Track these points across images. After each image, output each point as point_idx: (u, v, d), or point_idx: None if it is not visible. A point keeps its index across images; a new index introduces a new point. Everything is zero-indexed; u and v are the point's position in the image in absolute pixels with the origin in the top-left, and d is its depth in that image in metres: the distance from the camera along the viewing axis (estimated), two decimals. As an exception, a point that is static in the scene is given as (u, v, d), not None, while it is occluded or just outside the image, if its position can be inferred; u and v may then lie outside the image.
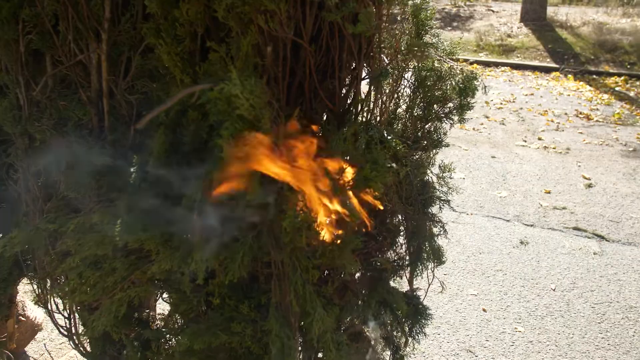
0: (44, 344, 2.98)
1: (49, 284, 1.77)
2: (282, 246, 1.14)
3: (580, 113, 8.01)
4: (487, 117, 7.76)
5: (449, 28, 13.51)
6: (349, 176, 1.24)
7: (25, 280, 2.17)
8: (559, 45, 11.60)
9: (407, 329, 1.59)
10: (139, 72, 1.38)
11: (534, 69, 10.93)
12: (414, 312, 1.56)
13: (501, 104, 8.50)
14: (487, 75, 10.49)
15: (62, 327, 1.95)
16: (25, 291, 2.89)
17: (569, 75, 10.27)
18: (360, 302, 1.41)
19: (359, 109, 1.48)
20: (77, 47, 1.36)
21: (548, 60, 11.17)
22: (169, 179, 1.15)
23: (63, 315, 1.93)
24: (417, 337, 1.62)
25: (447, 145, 1.72)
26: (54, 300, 1.91)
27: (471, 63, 11.13)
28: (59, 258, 1.51)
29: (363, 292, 1.44)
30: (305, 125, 1.24)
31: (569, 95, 9.12)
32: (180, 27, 1.20)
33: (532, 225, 4.66)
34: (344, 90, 1.47)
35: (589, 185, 5.45)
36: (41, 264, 1.72)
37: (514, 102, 8.65)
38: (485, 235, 4.47)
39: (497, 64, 11.23)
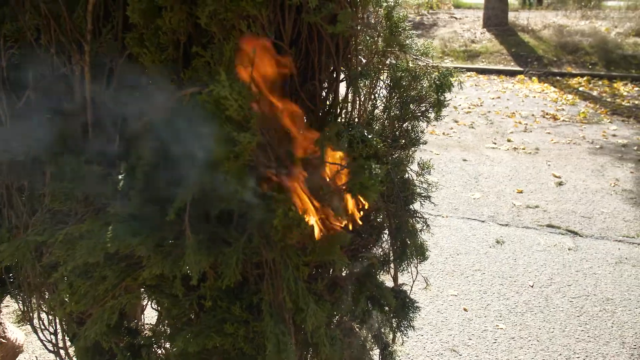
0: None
1: (34, 300, 1.75)
2: (273, 245, 1.17)
3: (547, 114, 8.24)
4: (457, 122, 7.91)
5: (415, 36, 13.75)
6: (343, 178, 1.28)
7: (5, 303, 2.14)
8: (522, 49, 11.92)
9: (395, 324, 1.63)
10: (122, 82, 1.39)
11: (499, 72, 11.21)
12: (401, 306, 1.60)
13: (469, 108, 8.68)
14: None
15: (48, 341, 1.93)
16: (5, 313, 2.84)
17: (534, 78, 10.55)
18: (349, 297, 1.44)
19: (339, 110, 1.52)
20: (59, 59, 1.37)
21: (512, 64, 11.46)
22: (158, 184, 1.17)
23: (49, 330, 1.91)
24: (405, 331, 1.65)
25: (425, 143, 1.77)
26: (39, 316, 1.89)
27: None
28: (46, 271, 1.50)
29: (352, 287, 1.47)
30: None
31: (534, 97, 9.37)
32: (163, 35, 1.23)
33: (506, 225, 4.76)
34: (324, 92, 1.51)
35: (560, 184, 5.60)
36: (27, 279, 1.71)
37: (481, 105, 8.85)
38: (461, 236, 4.55)
39: (462, 70, 11.46)
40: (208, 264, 1.23)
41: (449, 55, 12.25)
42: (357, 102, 1.56)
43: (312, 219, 1.15)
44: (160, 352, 1.46)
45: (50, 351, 1.96)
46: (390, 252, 1.69)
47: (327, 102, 1.47)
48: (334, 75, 1.44)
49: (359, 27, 1.42)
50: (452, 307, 3.62)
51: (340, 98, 1.50)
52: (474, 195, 5.36)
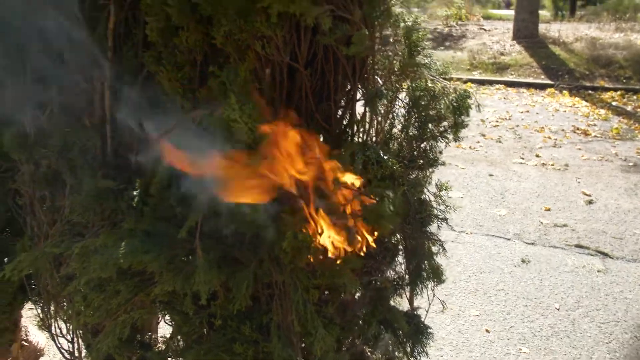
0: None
1: (53, 308, 1.79)
2: (283, 266, 1.16)
3: (578, 129, 8.07)
4: (484, 135, 7.81)
5: (442, 48, 13.67)
6: (358, 204, 1.27)
7: (28, 305, 2.19)
8: (553, 62, 11.73)
9: (408, 349, 1.60)
10: (140, 99, 1.42)
11: (528, 86, 11.04)
12: (414, 332, 1.57)
13: (497, 121, 8.57)
14: (481, 93, 10.58)
15: (65, 350, 1.96)
16: (28, 316, 2.89)
17: (564, 92, 10.37)
18: (360, 321, 1.43)
19: (355, 130, 1.51)
20: (81, 75, 1.40)
21: (542, 77, 11.29)
22: (171, 202, 1.18)
23: (66, 339, 1.94)
24: (419, 357, 1.62)
25: (443, 164, 1.75)
26: (57, 324, 1.92)
27: (465, 82, 11.24)
28: (63, 281, 1.53)
29: (363, 311, 1.46)
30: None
31: (565, 111, 9.20)
32: (180, 54, 1.24)
33: (533, 244, 4.66)
34: (339, 112, 1.50)
35: (590, 202, 5.46)
36: (46, 288, 1.74)
37: (509, 119, 8.72)
38: (485, 254, 4.47)
39: (491, 82, 11.34)
40: (219, 282, 1.23)
41: (477, 67, 12.13)
42: (374, 122, 1.55)
43: (323, 242, 1.14)
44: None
45: (67, 359, 1.98)
46: (405, 275, 1.67)
47: (343, 123, 1.46)
48: (350, 95, 1.44)
49: (375, 48, 1.41)
50: (474, 328, 3.54)
51: (356, 118, 1.50)
52: (500, 212, 5.26)
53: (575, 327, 3.51)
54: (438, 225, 1.79)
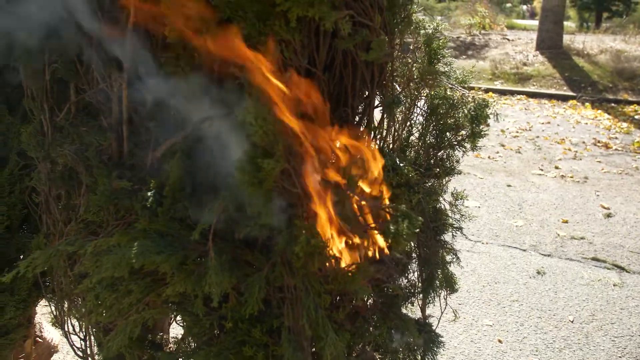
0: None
1: (66, 305, 1.80)
2: (295, 271, 1.16)
3: (599, 142, 7.96)
4: (503, 146, 7.74)
5: (464, 57, 13.60)
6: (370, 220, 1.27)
7: (43, 302, 2.21)
8: (576, 74, 11.60)
9: (419, 357, 1.58)
10: (157, 100, 1.42)
11: (550, 97, 10.93)
12: (426, 340, 1.55)
13: (517, 132, 8.49)
14: (502, 103, 10.50)
15: (77, 348, 1.97)
16: (42, 313, 2.93)
17: (587, 104, 10.24)
18: (371, 328, 1.41)
19: (372, 136, 1.51)
20: (99, 75, 1.41)
21: (565, 88, 11.16)
22: (184, 205, 1.18)
23: (79, 336, 1.95)
24: (430, 365, 1.61)
25: (460, 173, 1.73)
26: (70, 321, 1.93)
27: (486, 91, 11.17)
28: (77, 280, 1.54)
29: (374, 318, 1.44)
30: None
31: (586, 123, 9.08)
32: (199, 56, 1.25)
33: (549, 255, 4.60)
34: (357, 118, 1.50)
35: (608, 215, 5.38)
36: (60, 286, 1.75)
37: (530, 130, 8.63)
38: (501, 264, 4.42)
39: (512, 92, 11.24)
40: (230, 285, 1.23)
41: (499, 77, 12.04)
42: (392, 129, 1.54)
43: (336, 248, 1.14)
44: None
45: (79, 357, 2.00)
46: (417, 283, 1.65)
47: (360, 129, 1.46)
48: (368, 101, 1.43)
49: (394, 54, 1.40)
50: (487, 338, 3.51)
51: (374, 124, 1.49)
52: (517, 223, 5.21)
53: (588, 340, 3.45)
54: (453, 235, 1.77)
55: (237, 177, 1.05)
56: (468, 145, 1.63)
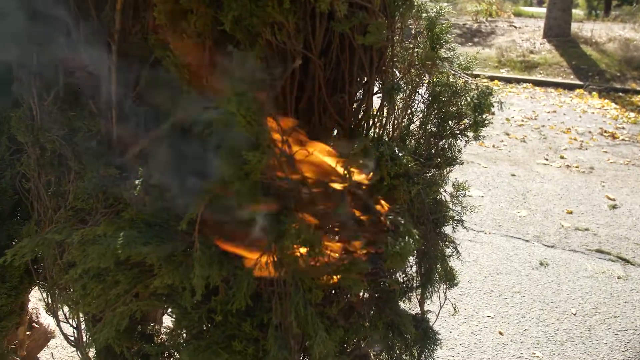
0: (51, 353, 2.97)
1: (57, 293, 1.76)
2: (285, 265, 1.11)
3: (605, 131, 7.86)
4: (508, 135, 7.66)
5: (470, 44, 13.44)
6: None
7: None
8: (584, 62, 11.45)
9: (416, 353, 1.54)
10: (147, 85, 1.37)
11: (557, 85, 10.79)
12: (422, 336, 1.51)
13: (522, 121, 8.39)
14: (508, 92, 10.38)
15: (70, 336, 1.94)
16: (39, 298, 2.90)
17: (594, 93, 10.11)
18: (367, 323, 1.37)
19: (370, 124, 1.45)
20: (88, 58, 1.36)
21: (572, 77, 11.03)
22: (172, 194, 1.13)
23: (71, 325, 1.92)
24: (426, 360, 1.56)
25: (462, 163, 1.67)
26: (63, 309, 1.90)
27: (492, 79, 11.04)
28: (65, 268, 1.50)
29: (370, 313, 1.40)
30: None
31: (593, 113, 8.97)
32: (188, 39, 1.19)
33: (552, 247, 4.54)
34: (355, 105, 1.44)
35: (614, 207, 5.31)
36: (50, 274, 1.72)
37: (535, 119, 8.53)
38: (503, 255, 4.38)
39: (518, 81, 11.11)
40: (220, 277, 1.19)
41: (505, 65, 11.90)
42: (392, 117, 1.48)
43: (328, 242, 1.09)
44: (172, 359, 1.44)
45: (71, 345, 1.97)
46: (415, 277, 1.61)
47: (358, 116, 1.40)
48: (367, 88, 1.37)
49: (395, 39, 1.34)
50: (487, 330, 3.47)
51: (373, 112, 1.43)
52: (520, 213, 5.15)
53: (591, 334, 3.41)
54: (453, 227, 1.72)
55: (222, 171, 1.01)
56: (471, 135, 1.57)
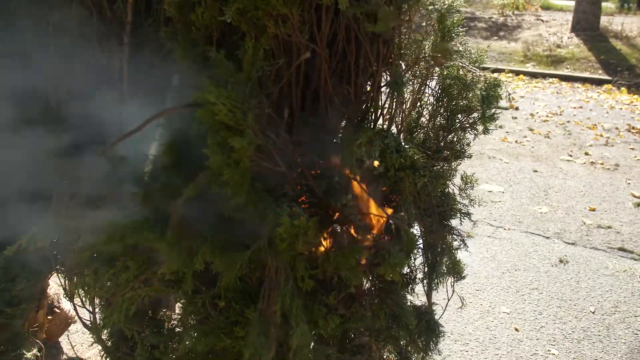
0: (67, 336, 3.05)
1: (73, 278, 1.82)
2: (279, 253, 1.13)
3: (633, 128, 7.69)
4: (532, 130, 7.55)
5: (495, 37, 13.24)
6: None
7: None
8: (613, 57, 11.19)
9: (420, 345, 1.55)
10: (158, 77, 1.40)
11: (584, 80, 10.58)
12: (426, 328, 1.52)
13: (547, 116, 8.26)
14: (533, 86, 10.22)
15: (87, 320, 2.00)
16: (60, 284, 2.99)
17: (622, 88, 9.88)
18: (369, 313, 1.39)
19: (377, 116, 1.46)
20: (101, 50, 1.39)
21: (600, 72, 10.79)
22: (175, 182, 1.16)
23: (87, 309, 1.97)
24: (430, 353, 1.57)
25: (470, 157, 1.67)
26: (79, 294, 1.96)
27: (517, 74, 10.88)
28: (79, 254, 1.54)
29: (371, 303, 1.41)
30: None
31: (621, 108, 8.78)
32: (196, 30, 1.22)
33: (573, 244, 4.48)
34: (363, 97, 1.45)
35: (638, 204, 5.21)
36: (66, 259, 1.77)
37: (561, 115, 8.39)
38: (522, 251, 4.33)
39: (544, 75, 10.91)
40: (223, 264, 1.21)
41: (531, 59, 11.70)
42: (398, 109, 1.49)
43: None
44: (174, 346, 1.47)
45: (88, 329, 2.02)
46: (420, 269, 1.61)
47: (364, 108, 1.41)
48: (373, 79, 1.38)
49: (402, 29, 1.35)
50: (503, 325, 3.45)
51: (380, 104, 1.44)
52: (541, 209, 5.08)
53: (609, 333, 3.36)
54: (461, 220, 1.72)
55: (211, 161, 1.03)
56: (480, 128, 1.57)
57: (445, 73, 1.56)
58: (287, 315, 1.14)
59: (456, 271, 1.64)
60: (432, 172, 1.49)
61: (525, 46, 12.16)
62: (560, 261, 4.18)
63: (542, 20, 14.16)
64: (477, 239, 4.52)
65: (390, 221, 1.30)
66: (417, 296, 1.76)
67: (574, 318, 3.51)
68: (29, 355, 2.22)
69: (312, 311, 1.24)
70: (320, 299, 1.26)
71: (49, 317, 2.77)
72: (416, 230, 1.58)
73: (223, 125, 0.98)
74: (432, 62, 1.50)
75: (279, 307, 1.14)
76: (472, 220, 1.75)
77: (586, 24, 12.51)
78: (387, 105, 1.46)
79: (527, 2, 15.64)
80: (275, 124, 1.13)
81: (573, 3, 13.40)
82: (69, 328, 3.03)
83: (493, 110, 1.48)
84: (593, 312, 3.57)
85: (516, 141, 7.07)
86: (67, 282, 1.98)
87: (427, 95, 1.61)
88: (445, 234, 1.60)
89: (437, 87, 1.59)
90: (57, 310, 2.88)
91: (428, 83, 1.59)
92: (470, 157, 1.67)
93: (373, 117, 1.45)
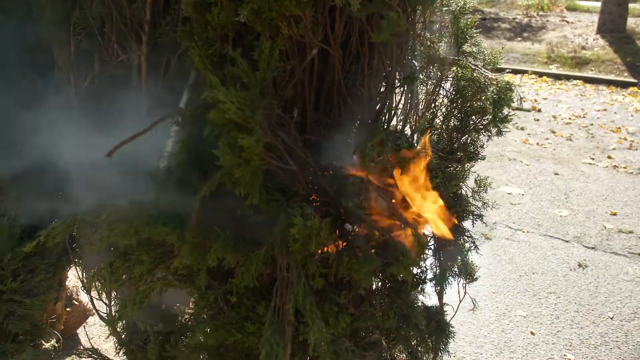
0: (85, 328, 3.10)
1: (90, 271, 1.86)
2: (291, 253, 1.14)
3: (658, 132, 7.55)
4: (554, 132, 7.46)
5: (519, 39, 13.09)
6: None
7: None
8: (639, 59, 10.97)
9: (431, 345, 1.55)
10: (177, 74, 1.43)
11: (609, 83, 10.40)
12: (436, 328, 1.52)
13: (570, 119, 8.15)
14: (557, 88, 10.09)
15: (104, 313, 2.04)
16: (78, 277, 3.05)
17: (649, 91, 9.70)
18: (379, 313, 1.39)
19: (390, 117, 1.47)
20: (120, 48, 1.43)
21: (625, 74, 10.59)
22: (191, 178, 1.19)
23: (104, 302, 2.01)
24: (440, 354, 1.57)
25: (483, 158, 1.67)
26: (96, 287, 2.00)
27: (540, 75, 10.74)
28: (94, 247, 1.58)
29: (381, 303, 1.42)
30: None
31: (647, 112, 8.62)
32: (212, 30, 1.24)
33: (593, 248, 4.42)
34: (377, 98, 1.46)
35: (661, 209, 5.11)
36: (84, 252, 1.81)
37: (584, 117, 8.27)
38: (540, 255, 4.29)
39: (568, 77, 10.75)
40: (235, 260, 1.23)
41: (555, 61, 11.54)
42: (412, 110, 1.49)
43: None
44: (186, 340, 1.49)
45: (104, 321, 2.07)
46: (436, 269, 1.61)
47: (377, 109, 1.42)
48: (386, 80, 1.39)
49: (416, 32, 1.35)
50: (519, 329, 3.42)
51: (393, 104, 1.45)
52: (561, 213, 5.02)
53: (627, 339, 3.31)
54: (473, 222, 1.71)
55: (222, 160, 1.05)
56: (494, 130, 1.57)
57: (459, 75, 1.56)
58: (302, 312, 1.16)
59: (468, 273, 1.64)
60: (445, 174, 1.49)
61: (550, 47, 12.00)
62: (579, 265, 4.13)
63: (567, 22, 13.95)
64: (495, 241, 4.49)
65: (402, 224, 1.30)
66: (429, 297, 1.77)
67: (592, 323, 3.47)
68: (47, 345, 2.27)
69: (322, 310, 1.25)
70: (332, 297, 1.27)
71: (67, 309, 2.83)
72: (428, 231, 1.58)
73: (233, 124, 1.00)
74: (446, 64, 1.50)
75: (292, 304, 1.15)
76: (484, 222, 1.75)
77: (612, 25, 12.28)
78: (401, 107, 1.47)
79: (553, 3, 15.41)
80: (286, 123, 1.15)
81: (600, 4, 13.17)
82: (87, 320, 3.09)
83: (505, 113, 1.48)
84: (611, 318, 3.53)
85: (538, 143, 6.99)
86: (84, 274, 2.03)
87: (441, 96, 1.61)
88: (457, 236, 1.60)
89: (452, 89, 1.59)
90: (76, 303, 2.94)
91: (442, 84, 1.60)
92: (483, 159, 1.67)
93: (387, 118, 1.46)
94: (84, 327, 3.06)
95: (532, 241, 4.52)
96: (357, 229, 1.26)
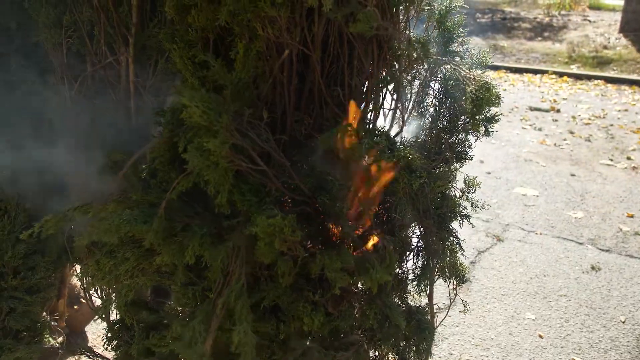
0: (93, 326, 3.15)
1: (83, 268, 1.89)
2: (249, 252, 1.15)
3: (680, 133, 7.38)
4: (572, 133, 7.34)
5: (539, 38, 12.91)
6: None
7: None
8: (663, 59, 10.75)
9: (413, 347, 1.54)
10: (164, 75, 1.46)
11: (631, 83, 10.19)
12: (416, 328, 1.51)
13: (589, 119, 8.01)
14: (577, 88, 9.92)
15: (98, 308, 2.08)
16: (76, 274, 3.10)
17: (673, 92, 9.48)
18: (358, 313, 1.40)
19: (376, 116, 1.47)
20: (108, 50, 1.46)
21: (648, 74, 10.38)
22: (170, 179, 1.21)
23: (99, 298, 2.05)
24: (422, 355, 1.56)
25: (471, 159, 1.65)
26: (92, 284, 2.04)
27: (561, 75, 10.58)
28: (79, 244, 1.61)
29: (362, 303, 1.42)
30: None
31: (669, 112, 8.43)
32: (193, 32, 1.26)
33: (607, 251, 4.34)
34: (362, 97, 1.46)
35: (680, 212, 5.00)
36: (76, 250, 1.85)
37: (604, 117, 8.12)
38: (552, 257, 4.23)
39: (589, 77, 10.56)
40: (212, 258, 1.25)
41: (576, 61, 11.36)
42: (397, 109, 1.49)
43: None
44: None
45: (102, 318, 2.10)
46: (412, 270, 1.61)
47: (361, 108, 1.42)
48: (369, 80, 1.39)
49: (398, 30, 1.35)
50: (527, 332, 3.38)
51: (376, 105, 1.45)
52: (576, 214, 4.94)
53: (639, 343, 3.24)
54: (460, 223, 1.70)
55: (190, 163, 1.06)
56: (482, 130, 1.55)
57: (447, 75, 1.55)
58: (231, 312, 1.17)
59: (456, 274, 1.63)
60: (431, 174, 1.49)
61: (571, 47, 11.82)
62: (592, 268, 4.06)
63: (589, 21, 13.72)
64: (507, 243, 4.44)
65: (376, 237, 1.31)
66: (420, 298, 1.76)
67: (603, 327, 3.41)
68: (52, 342, 2.32)
69: (296, 308, 1.27)
70: (307, 296, 1.28)
71: (75, 307, 2.88)
72: (415, 231, 1.58)
73: (200, 128, 1.02)
74: (432, 64, 1.50)
75: (222, 301, 1.17)
76: (471, 223, 1.73)
77: (636, 24, 12.03)
78: (389, 107, 1.47)
79: (575, 2, 15.17)
80: (257, 124, 1.16)
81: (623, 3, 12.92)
82: (95, 318, 3.14)
83: (493, 112, 1.47)
84: (623, 322, 3.46)
85: (555, 144, 6.89)
86: (80, 272, 2.07)
87: (430, 96, 1.60)
88: (444, 237, 1.59)
89: (440, 89, 1.58)
90: (83, 301, 3.00)
91: (432, 85, 1.59)
92: (471, 159, 1.65)
93: (372, 117, 1.46)
94: (92, 324, 3.11)
95: (544, 243, 4.46)
96: (332, 227, 1.27)
